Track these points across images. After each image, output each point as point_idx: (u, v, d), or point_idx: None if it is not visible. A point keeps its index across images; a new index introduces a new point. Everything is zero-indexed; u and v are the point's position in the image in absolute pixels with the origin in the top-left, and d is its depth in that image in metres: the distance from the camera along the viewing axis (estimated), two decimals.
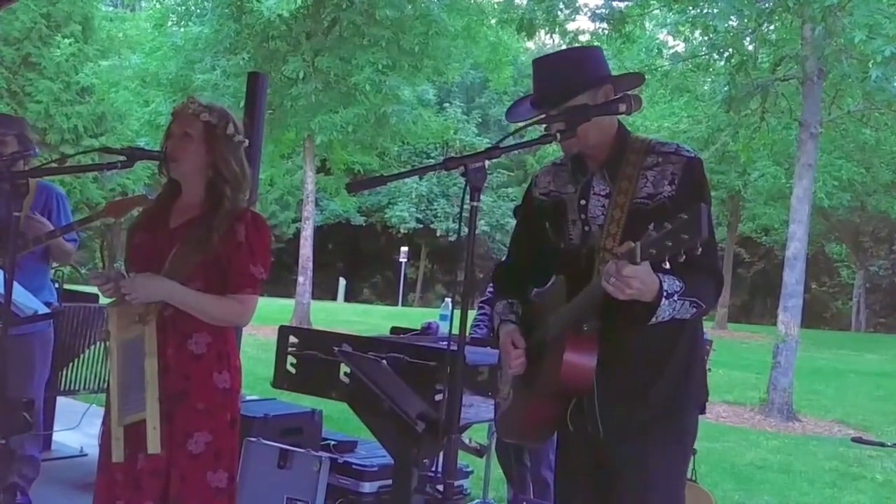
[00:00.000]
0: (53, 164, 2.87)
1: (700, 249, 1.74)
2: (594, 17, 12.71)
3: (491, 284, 4.53)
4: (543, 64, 2.24)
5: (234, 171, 2.49)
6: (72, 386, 5.14)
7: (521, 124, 2.21)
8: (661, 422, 2.11)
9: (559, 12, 12.35)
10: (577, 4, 12.59)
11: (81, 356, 5.10)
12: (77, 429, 4.95)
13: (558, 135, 2.00)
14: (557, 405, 2.17)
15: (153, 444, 2.33)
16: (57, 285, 4.27)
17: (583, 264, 2.12)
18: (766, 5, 11.32)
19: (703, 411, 2.24)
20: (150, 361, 2.37)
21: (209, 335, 2.46)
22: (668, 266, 1.77)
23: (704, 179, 2.14)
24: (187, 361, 2.43)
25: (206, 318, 2.44)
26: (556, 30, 12.51)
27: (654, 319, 1.95)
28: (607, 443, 2.13)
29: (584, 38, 13.55)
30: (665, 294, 1.92)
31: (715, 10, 11.12)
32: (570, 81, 2.12)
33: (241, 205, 2.51)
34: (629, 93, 2.04)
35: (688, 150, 2.15)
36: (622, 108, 2.01)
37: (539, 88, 2.21)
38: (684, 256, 1.73)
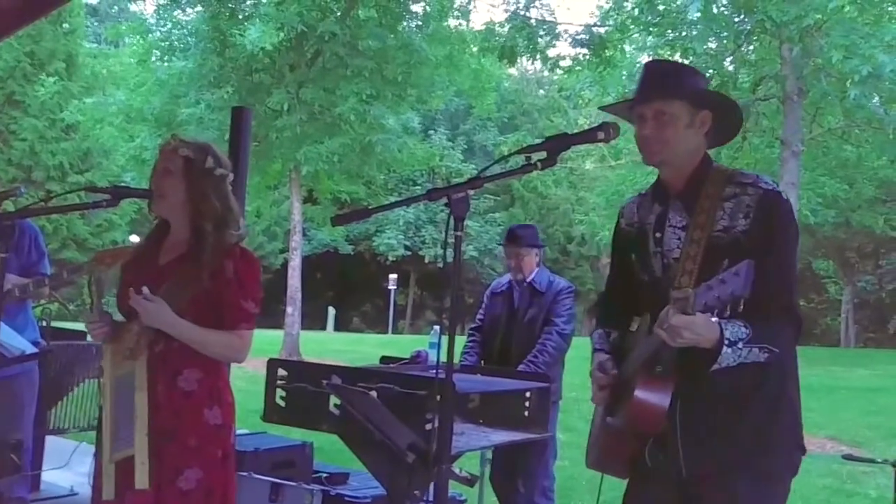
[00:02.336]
0: (41, 204, 2.87)
1: (742, 308, 1.73)
2: (574, 42, 12.92)
3: (480, 311, 4.56)
4: (655, 65, 2.27)
5: (212, 206, 2.48)
6: (61, 424, 5.09)
7: (506, 151, 2.23)
8: (751, 460, 2.05)
9: (539, 39, 12.55)
10: (557, 31, 12.80)
11: (70, 394, 5.06)
12: (66, 468, 4.90)
13: (539, 164, 2.01)
14: (634, 442, 2.14)
15: (141, 480, 2.32)
16: (44, 323, 4.25)
17: (663, 299, 1.99)
18: (745, 27, 11.51)
19: (802, 451, 2.15)
20: (139, 396, 2.37)
21: (200, 371, 2.45)
22: (715, 319, 1.78)
23: (782, 213, 2.05)
24: (178, 399, 2.42)
25: (207, 352, 2.45)
26: (538, 56, 12.68)
27: (716, 366, 1.92)
28: (691, 481, 2.08)
29: (564, 64, 13.72)
30: (727, 342, 1.89)
31: (693, 33, 11.30)
32: (675, 85, 2.12)
33: (230, 240, 2.49)
34: (606, 122, 2.05)
35: (766, 182, 2.08)
36: (600, 135, 1.99)
37: (644, 83, 2.18)
38: (729, 312, 1.74)
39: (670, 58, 13.76)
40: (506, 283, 4.48)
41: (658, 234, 2.16)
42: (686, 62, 12.44)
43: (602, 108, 2.37)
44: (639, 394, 2.00)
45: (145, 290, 2.38)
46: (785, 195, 2.09)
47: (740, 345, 1.91)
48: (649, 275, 2.18)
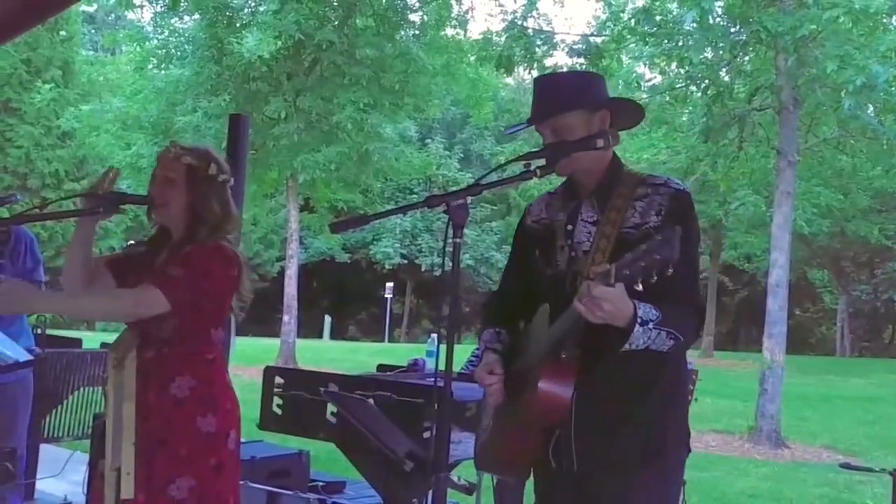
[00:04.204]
0: (35, 210, 2.85)
1: (671, 270, 1.74)
2: (571, 52, 12.93)
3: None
4: (544, 81, 2.28)
5: (214, 211, 2.48)
6: (55, 433, 5.06)
7: (503, 160, 2.24)
8: (643, 457, 2.05)
9: (537, 48, 12.55)
10: (554, 40, 12.81)
11: (65, 402, 5.03)
12: (60, 476, 4.87)
13: (538, 171, 2.02)
14: (536, 438, 2.12)
15: (126, 490, 2.32)
16: (39, 331, 4.23)
17: (567, 291, 2.07)
18: (740, 37, 11.55)
19: (688, 449, 2.17)
20: (127, 405, 2.36)
21: (192, 378, 2.43)
22: (640, 287, 1.77)
23: (691, 211, 2.13)
24: (169, 406, 2.40)
25: (89, 315, 2.47)
26: (535, 65, 12.68)
27: (627, 346, 1.93)
28: (584, 478, 2.07)
29: None
30: (639, 321, 1.90)
31: (690, 43, 11.33)
32: (566, 98, 2.14)
33: (217, 241, 2.48)
34: (607, 129, 2.07)
35: (677, 183, 2.15)
36: (600, 143, 2.03)
37: (536, 103, 2.20)
38: (655, 277, 1.75)
39: (664, 68, 13.83)
40: None
41: (570, 227, 2.18)
42: (682, 72, 12.49)
43: (506, 132, 2.43)
44: (544, 383, 1.99)
45: None
46: (692, 195, 2.18)
47: (650, 325, 1.92)
48: (553, 268, 2.19)
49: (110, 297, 2.47)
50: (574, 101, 2.13)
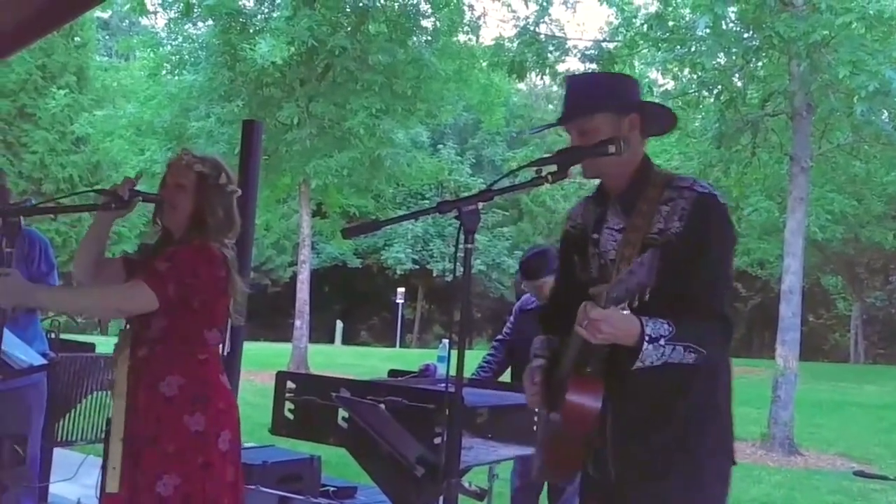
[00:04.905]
0: (51, 204, 2.92)
1: (647, 295, 1.74)
2: (584, 57, 12.92)
3: (508, 326, 4.50)
4: (574, 81, 2.24)
5: (217, 217, 2.56)
6: (68, 436, 5.08)
7: (515, 166, 2.24)
8: (677, 466, 2.02)
9: (549, 54, 12.56)
10: (567, 46, 12.82)
11: (78, 406, 5.06)
12: (74, 480, 4.89)
13: (549, 177, 2.01)
14: (578, 447, 2.13)
15: (111, 484, 2.38)
16: (53, 335, 4.26)
17: None
18: (753, 43, 11.51)
19: (732, 461, 2.12)
20: (117, 403, 2.43)
21: (182, 377, 2.47)
22: (626, 311, 1.78)
23: (716, 216, 2.04)
24: (159, 404, 2.45)
25: (81, 310, 2.54)
26: (547, 71, 12.69)
27: (640, 363, 1.90)
28: (621, 486, 2.06)
29: None
30: (647, 338, 1.88)
31: (703, 48, 11.30)
32: (595, 99, 2.10)
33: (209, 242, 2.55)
34: (621, 135, 2.05)
35: (702, 186, 2.07)
36: (611, 148, 2.01)
37: (565, 103, 2.17)
38: (637, 302, 1.76)
39: (677, 73, 13.78)
40: (535, 300, 4.40)
41: (595, 236, 2.15)
42: (695, 78, 12.46)
43: (531, 132, 2.40)
44: (569, 396, 2.00)
45: None
46: (722, 199, 2.08)
47: (662, 341, 1.89)
48: (588, 275, 2.18)
49: (101, 292, 2.53)
50: (602, 102, 2.09)
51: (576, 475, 2.29)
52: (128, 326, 2.54)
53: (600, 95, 2.11)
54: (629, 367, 1.92)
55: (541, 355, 2.29)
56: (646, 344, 1.88)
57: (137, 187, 2.64)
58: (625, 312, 1.83)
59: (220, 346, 2.63)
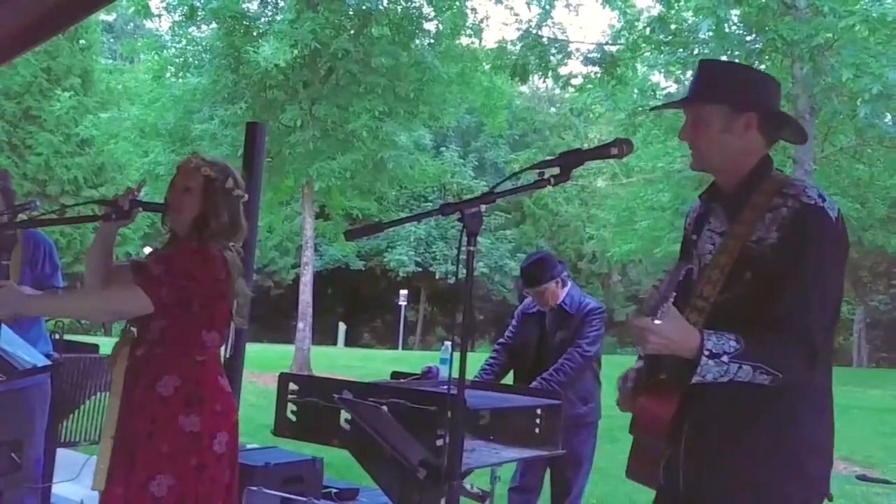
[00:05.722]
0: (53, 215, 2.93)
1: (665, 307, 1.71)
2: (586, 60, 12.97)
3: (510, 329, 4.50)
4: (704, 65, 2.16)
5: (222, 221, 2.56)
6: (71, 437, 5.09)
7: (517, 168, 2.22)
8: (745, 488, 1.91)
9: (551, 57, 12.61)
10: (569, 49, 12.85)
11: (81, 407, 5.07)
12: (76, 480, 4.90)
13: (552, 179, 1.98)
14: (650, 448, 2.08)
15: (98, 482, 2.40)
16: (57, 336, 4.27)
17: None
18: (756, 46, 11.53)
19: (816, 491, 1.99)
20: (112, 401, 2.45)
21: (178, 378, 2.48)
22: (658, 321, 1.74)
23: (815, 230, 1.88)
24: (155, 403, 2.46)
25: (79, 314, 2.66)
26: (549, 74, 12.73)
27: (697, 378, 1.81)
28: (689, 500, 1.99)
29: (576, 82, 13.72)
30: (707, 353, 1.79)
31: (705, 51, 11.32)
32: (713, 88, 2.03)
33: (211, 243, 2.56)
34: (620, 137, 2.04)
35: (809, 196, 1.91)
36: (614, 151, 1.97)
37: (690, 86, 2.10)
38: (659, 317, 1.73)
39: (679, 76, 13.80)
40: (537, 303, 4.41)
41: (694, 237, 2.10)
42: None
43: (651, 109, 2.37)
44: (641, 400, 2.00)
45: None
46: (832, 211, 1.92)
47: (725, 358, 1.79)
48: (691, 278, 2.09)
49: (96, 296, 2.56)
50: (720, 94, 2.02)
51: (656, 478, 2.17)
52: (130, 328, 2.56)
53: (721, 86, 2.03)
54: (688, 379, 1.84)
55: (642, 358, 2.22)
56: (704, 359, 1.79)
57: (140, 194, 2.66)
58: (683, 323, 1.78)
59: (221, 348, 2.63)
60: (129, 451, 2.41)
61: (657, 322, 1.75)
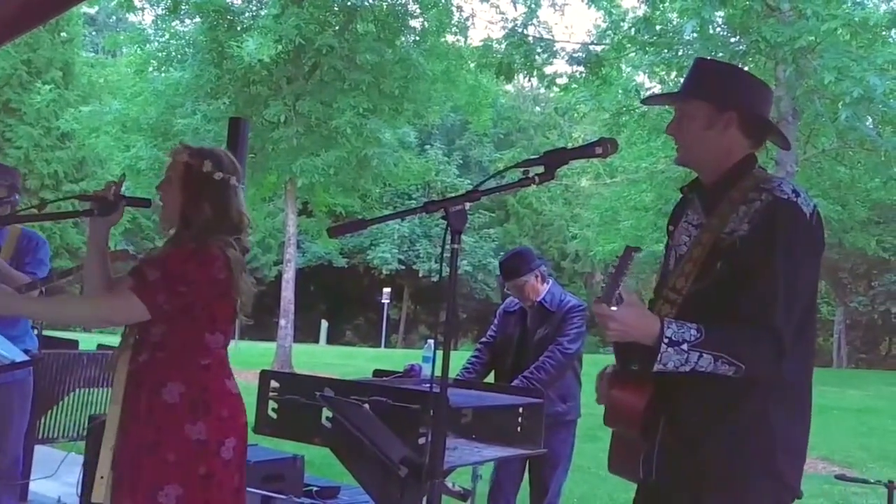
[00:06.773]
0: (33, 210, 2.86)
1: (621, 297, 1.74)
2: (571, 60, 13.01)
3: (492, 328, 4.49)
4: (697, 63, 2.18)
5: (203, 213, 2.38)
6: (50, 433, 5.05)
7: (502, 167, 2.22)
8: (715, 480, 1.92)
9: (537, 56, 12.63)
10: (554, 48, 12.88)
11: (60, 403, 5.03)
12: (55, 477, 4.86)
13: (536, 178, 1.98)
14: (626, 441, 2.08)
15: (97, 493, 2.30)
16: (36, 331, 4.23)
17: None
18: (740, 47, 11.60)
19: (790, 489, 1.97)
20: (112, 409, 2.34)
21: (182, 384, 2.36)
22: (614, 308, 1.77)
23: (787, 223, 1.89)
24: (160, 411, 2.34)
25: (68, 321, 2.50)
26: (534, 73, 12.75)
27: (658, 366, 1.83)
28: (664, 492, 2.00)
29: (561, 81, 13.76)
30: (666, 340, 1.81)
31: (690, 52, 11.38)
32: (699, 85, 2.07)
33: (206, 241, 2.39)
34: (604, 137, 2.04)
35: (782, 191, 1.93)
36: (598, 150, 1.98)
37: (683, 80, 2.16)
38: (615, 304, 1.76)
39: (664, 77, 13.86)
40: (518, 302, 4.41)
41: (671, 228, 2.12)
42: (682, 81, 12.53)
43: (642, 102, 2.39)
44: (614, 391, 2.00)
45: None
46: (805, 206, 1.92)
47: (685, 346, 1.81)
48: (666, 269, 2.12)
49: (88, 303, 2.44)
50: (705, 91, 2.06)
51: (636, 473, 2.16)
52: (130, 332, 2.43)
53: (707, 84, 2.07)
54: (650, 367, 1.86)
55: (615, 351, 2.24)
56: (664, 346, 1.81)
57: (123, 187, 2.56)
58: (642, 311, 1.80)
59: (226, 348, 2.51)
60: (134, 460, 2.32)
61: (613, 309, 1.79)
